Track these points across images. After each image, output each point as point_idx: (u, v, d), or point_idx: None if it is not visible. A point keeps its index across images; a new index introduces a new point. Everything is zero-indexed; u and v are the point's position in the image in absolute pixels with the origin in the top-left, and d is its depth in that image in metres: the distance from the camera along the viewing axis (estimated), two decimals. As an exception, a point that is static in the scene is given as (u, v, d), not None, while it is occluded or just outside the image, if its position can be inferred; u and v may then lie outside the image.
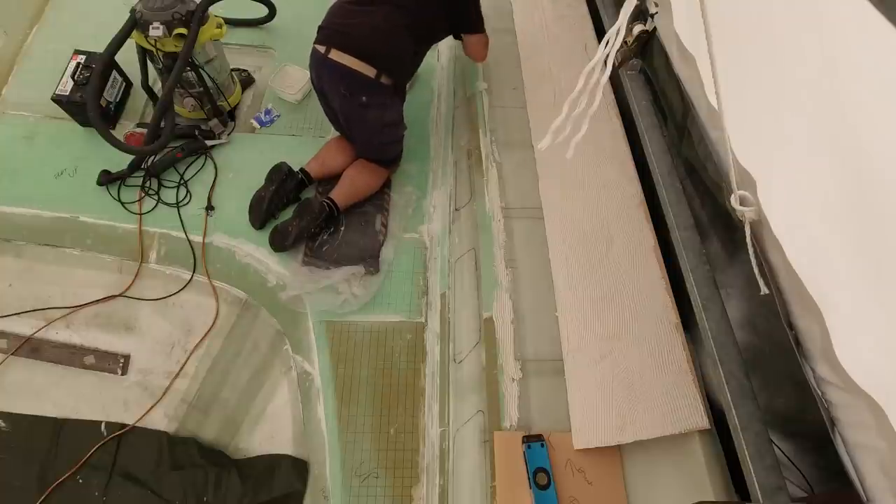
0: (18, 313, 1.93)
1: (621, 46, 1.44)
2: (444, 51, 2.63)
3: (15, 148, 2.20)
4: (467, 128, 2.17)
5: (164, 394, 1.84)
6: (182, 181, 2.14)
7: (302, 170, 2.09)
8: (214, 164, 2.20)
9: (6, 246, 2.06)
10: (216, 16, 2.05)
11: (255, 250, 2.00)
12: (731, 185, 1.14)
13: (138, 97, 2.33)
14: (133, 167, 2.11)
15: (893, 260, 0.80)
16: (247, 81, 2.47)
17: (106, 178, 2.09)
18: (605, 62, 1.13)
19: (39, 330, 1.91)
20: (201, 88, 2.11)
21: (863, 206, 0.85)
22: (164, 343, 1.94)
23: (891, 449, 0.87)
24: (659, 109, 1.71)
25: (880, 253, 0.82)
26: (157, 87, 2.31)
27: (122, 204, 2.08)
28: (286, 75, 2.40)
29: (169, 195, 2.12)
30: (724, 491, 1.20)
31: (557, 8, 2.40)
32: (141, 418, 1.79)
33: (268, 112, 2.36)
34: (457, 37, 2.04)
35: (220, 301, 1.99)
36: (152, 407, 1.81)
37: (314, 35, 1.83)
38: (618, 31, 1.11)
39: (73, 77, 2.13)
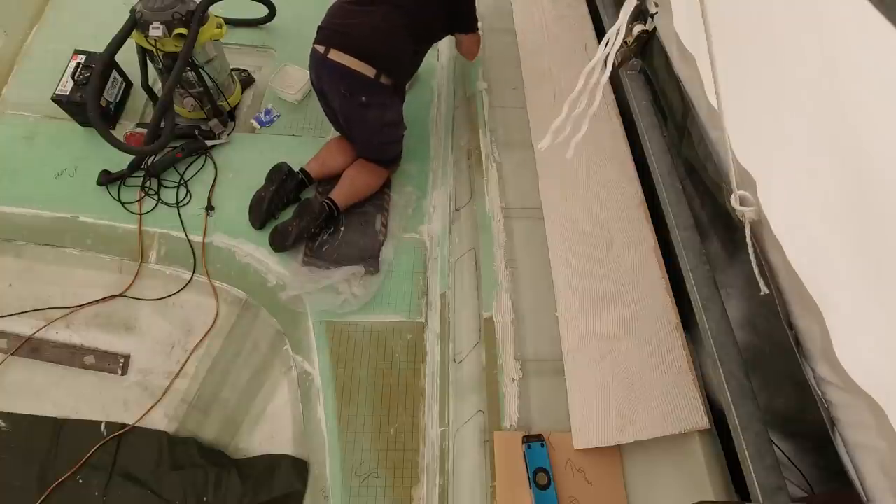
0: (18, 313, 1.93)
1: (621, 46, 1.44)
2: (444, 51, 2.63)
3: (15, 148, 2.20)
4: (467, 128, 2.17)
5: (164, 394, 1.84)
6: (182, 181, 2.14)
7: (302, 170, 2.09)
8: (214, 164, 2.20)
9: (6, 246, 2.06)
10: (216, 16, 2.05)
11: (255, 250, 2.00)
12: (731, 185, 1.14)
13: (138, 97, 2.33)
14: (133, 167, 2.11)
15: (893, 260, 0.80)
16: (247, 81, 2.47)
17: (106, 178, 2.09)
18: (605, 62, 1.13)
19: (39, 330, 1.91)
20: (201, 88, 2.11)
21: (863, 206, 0.85)
22: (164, 343, 1.94)
23: (891, 449, 0.87)
24: (659, 109, 1.71)
25: (880, 253, 0.82)
26: (157, 87, 2.31)
27: (122, 204, 2.08)
28: (286, 75, 2.40)
29: (169, 195, 2.12)
30: (724, 491, 1.20)
31: (557, 8, 2.40)
32: (141, 418, 1.79)
33: (268, 112, 2.36)
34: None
35: (220, 301, 1.99)
36: (152, 407, 1.81)
37: (314, 35, 1.83)
38: (618, 31, 1.11)
39: (73, 77, 2.13)
